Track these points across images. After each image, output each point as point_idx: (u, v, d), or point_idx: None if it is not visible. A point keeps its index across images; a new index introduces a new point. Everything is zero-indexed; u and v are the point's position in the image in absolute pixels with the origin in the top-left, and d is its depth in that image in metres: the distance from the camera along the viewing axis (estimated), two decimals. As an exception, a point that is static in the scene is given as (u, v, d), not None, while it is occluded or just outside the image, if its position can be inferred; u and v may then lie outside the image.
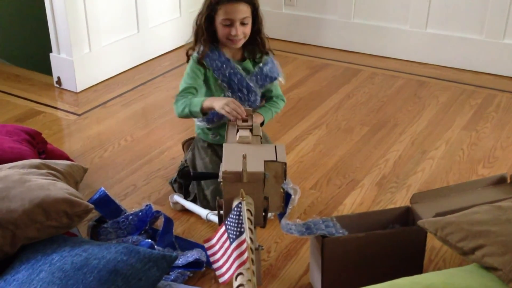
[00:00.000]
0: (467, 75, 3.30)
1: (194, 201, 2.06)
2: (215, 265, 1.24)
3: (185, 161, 2.16)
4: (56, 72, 3.17)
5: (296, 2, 3.77)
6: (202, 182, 2.03)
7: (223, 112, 1.82)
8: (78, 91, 3.12)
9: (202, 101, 1.89)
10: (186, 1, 3.72)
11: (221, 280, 1.23)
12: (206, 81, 2.02)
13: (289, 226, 1.62)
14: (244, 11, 1.90)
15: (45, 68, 3.25)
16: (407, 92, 3.09)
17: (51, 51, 3.15)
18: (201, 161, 2.09)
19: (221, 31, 1.94)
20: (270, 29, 3.67)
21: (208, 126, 2.08)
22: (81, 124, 2.80)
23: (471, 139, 2.60)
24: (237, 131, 1.76)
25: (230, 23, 1.91)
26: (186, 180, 2.03)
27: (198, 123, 2.11)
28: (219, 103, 1.83)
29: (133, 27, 3.40)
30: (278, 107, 2.13)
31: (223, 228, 1.24)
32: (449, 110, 2.88)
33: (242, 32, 1.93)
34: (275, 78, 2.08)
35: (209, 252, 1.26)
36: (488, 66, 3.29)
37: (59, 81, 3.17)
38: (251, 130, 1.77)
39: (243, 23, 1.92)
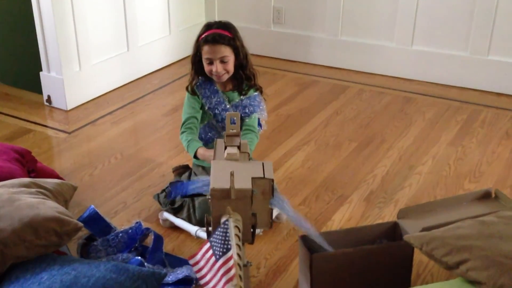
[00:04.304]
0: (453, 91, 3.35)
1: (188, 217, 2.07)
2: (202, 281, 1.25)
3: (176, 182, 2.19)
4: (46, 90, 3.19)
5: (285, 20, 3.82)
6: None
7: None
8: (68, 109, 3.13)
9: (196, 149, 2.06)
10: (175, 19, 3.76)
11: None
12: (202, 107, 2.18)
13: (283, 204, 1.59)
14: (222, 51, 2.07)
15: (35, 86, 3.26)
16: (394, 108, 3.13)
17: (41, 70, 3.17)
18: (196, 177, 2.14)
19: (205, 67, 2.12)
20: (259, 47, 3.77)
21: None
22: (71, 142, 2.81)
23: (457, 154, 2.63)
24: (225, 148, 1.78)
25: (211, 61, 2.09)
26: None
27: None
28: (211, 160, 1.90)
29: (123, 46, 3.43)
30: (252, 143, 2.18)
31: (208, 244, 1.25)
32: (435, 126, 2.92)
33: (223, 69, 2.10)
34: (252, 113, 2.18)
35: (194, 268, 1.28)
36: (473, 82, 3.35)
37: (49, 100, 3.18)
38: (238, 148, 1.78)
39: (223, 61, 2.09)
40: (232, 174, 1.48)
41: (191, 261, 1.28)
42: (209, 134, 2.20)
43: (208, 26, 2.11)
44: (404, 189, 2.36)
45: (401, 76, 3.53)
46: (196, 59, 2.14)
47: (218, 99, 2.16)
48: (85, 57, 3.18)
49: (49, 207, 1.62)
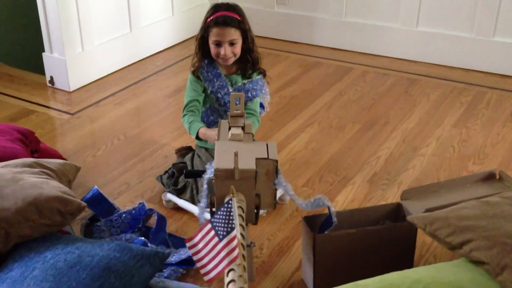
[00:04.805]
0: (458, 72, 3.32)
1: (192, 198, 2.07)
2: (199, 264, 1.23)
3: (179, 163, 2.20)
4: (48, 71, 3.17)
5: (288, 1, 3.78)
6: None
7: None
8: (71, 90, 3.13)
9: (198, 129, 2.06)
10: (178, 0, 3.73)
11: (206, 278, 1.22)
12: (204, 91, 2.17)
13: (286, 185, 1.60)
14: (232, 34, 2.06)
15: (38, 67, 3.25)
16: (398, 90, 3.11)
17: (43, 51, 3.15)
18: (199, 160, 2.14)
19: (212, 50, 2.10)
20: (262, 28, 3.74)
21: None
22: (74, 123, 2.80)
23: (462, 136, 2.62)
24: (229, 128, 1.78)
25: (219, 44, 2.07)
26: (186, 176, 2.09)
27: None
28: (213, 139, 1.93)
29: (126, 27, 3.40)
30: (253, 127, 2.17)
31: (208, 226, 1.23)
32: (439, 108, 2.91)
33: (231, 52, 2.09)
34: (254, 97, 2.17)
35: (191, 251, 1.25)
36: (478, 63, 3.32)
37: (51, 81, 3.17)
38: (243, 128, 1.78)
39: (232, 44, 2.08)
40: (236, 155, 1.48)
41: (189, 244, 1.26)
42: (211, 117, 2.19)
43: (216, 8, 2.09)
44: (408, 171, 2.35)
45: (405, 57, 3.50)
46: (202, 41, 2.12)
47: (221, 83, 2.15)
48: (88, 38, 3.16)
49: (53, 187, 1.62)
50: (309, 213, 1.97)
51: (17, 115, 2.88)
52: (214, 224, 1.22)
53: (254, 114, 2.18)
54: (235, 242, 1.20)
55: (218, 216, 1.23)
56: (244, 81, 2.17)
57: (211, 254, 1.21)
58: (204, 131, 2.04)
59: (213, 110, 2.19)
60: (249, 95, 2.16)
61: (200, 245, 1.24)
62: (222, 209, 1.23)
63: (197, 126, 2.07)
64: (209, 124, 2.18)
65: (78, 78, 3.16)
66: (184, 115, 2.13)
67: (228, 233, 1.21)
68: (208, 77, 2.15)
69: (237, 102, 1.95)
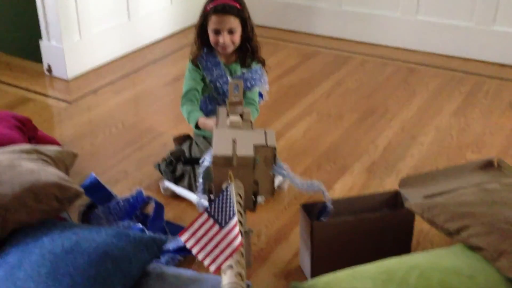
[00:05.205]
0: (457, 61, 3.31)
1: (189, 186, 2.07)
2: (201, 255, 1.16)
3: (177, 151, 2.19)
4: (46, 59, 3.16)
5: (287, -10, 3.76)
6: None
7: None
8: (68, 78, 3.11)
9: (197, 118, 2.05)
10: (177, -12, 3.71)
11: (212, 268, 1.18)
12: (203, 79, 2.16)
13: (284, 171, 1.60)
14: (231, 22, 2.05)
15: (36, 55, 3.23)
16: (397, 79, 3.11)
17: (41, 39, 3.14)
18: (197, 148, 2.15)
19: (211, 38, 2.10)
20: (261, 17, 3.72)
21: None
22: (72, 112, 2.80)
23: (460, 125, 2.62)
24: (228, 116, 1.77)
25: (218, 32, 2.06)
26: (184, 163, 2.09)
27: None
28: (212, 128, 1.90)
29: (124, 15, 3.39)
30: (252, 116, 2.16)
31: (205, 215, 1.19)
32: (438, 97, 2.90)
33: (230, 40, 2.08)
34: (253, 87, 2.17)
35: (188, 244, 1.17)
36: (478, 52, 3.31)
37: (49, 69, 3.16)
38: (241, 116, 1.77)
39: (231, 32, 2.07)
40: (234, 141, 1.47)
41: (184, 237, 1.16)
42: (210, 106, 2.19)
43: None
44: (406, 160, 2.35)
45: (404, 46, 3.49)
46: (202, 29, 2.11)
47: (220, 72, 2.14)
48: (86, 26, 3.15)
49: (50, 173, 1.62)
50: (307, 200, 1.97)
51: (14, 103, 2.87)
52: (214, 212, 1.19)
53: (253, 103, 2.17)
54: (236, 230, 1.18)
55: (217, 204, 1.21)
56: (243, 70, 2.16)
57: (212, 243, 1.18)
58: (203, 121, 2.03)
59: (212, 99, 2.19)
60: (248, 84, 2.15)
61: (199, 234, 1.19)
62: (220, 196, 1.21)
63: (196, 115, 2.06)
64: (208, 113, 2.17)
65: (76, 67, 3.14)
66: (183, 104, 2.13)
67: (230, 219, 1.19)
68: (207, 66, 2.14)
69: (236, 90, 1.94)
